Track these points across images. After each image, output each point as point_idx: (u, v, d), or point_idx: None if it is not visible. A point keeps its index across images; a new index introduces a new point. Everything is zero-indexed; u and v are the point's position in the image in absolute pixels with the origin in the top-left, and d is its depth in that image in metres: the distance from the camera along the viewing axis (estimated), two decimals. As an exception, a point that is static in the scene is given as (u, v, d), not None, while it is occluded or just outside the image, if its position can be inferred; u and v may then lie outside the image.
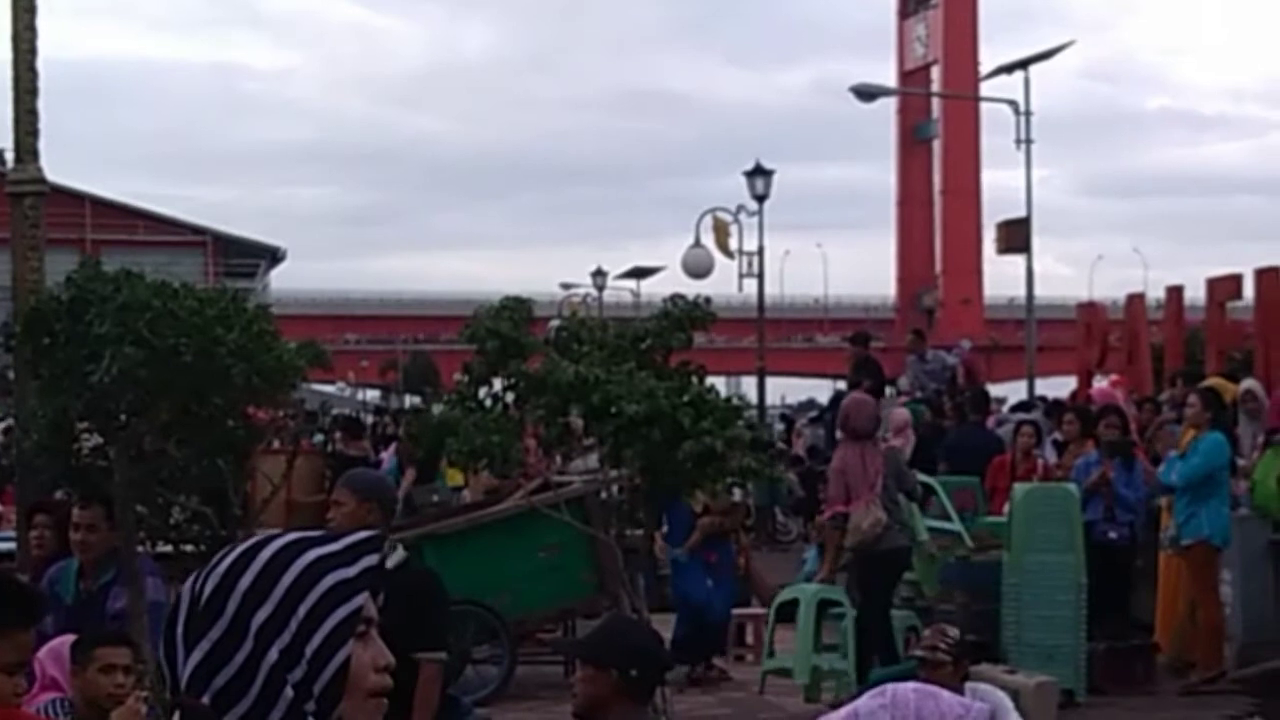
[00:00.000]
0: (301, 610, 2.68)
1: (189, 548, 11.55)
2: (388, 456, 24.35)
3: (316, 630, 2.69)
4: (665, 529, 16.76)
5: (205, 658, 2.70)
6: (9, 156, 14.01)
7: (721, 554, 16.75)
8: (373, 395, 66.57)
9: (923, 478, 16.57)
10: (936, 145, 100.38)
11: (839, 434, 15.48)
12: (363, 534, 2.81)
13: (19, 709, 4.73)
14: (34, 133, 13.07)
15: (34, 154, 13.07)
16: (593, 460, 15.99)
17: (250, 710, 2.68)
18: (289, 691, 2.67)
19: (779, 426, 35.54)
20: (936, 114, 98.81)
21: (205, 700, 2.69)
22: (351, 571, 2.73)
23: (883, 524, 14.17)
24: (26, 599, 4.64)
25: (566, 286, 67.97)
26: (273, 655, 2.67)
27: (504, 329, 15.22)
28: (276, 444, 14.33)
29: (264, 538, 2.79)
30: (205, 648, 2.70)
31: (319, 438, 24.90)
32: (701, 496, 15.87)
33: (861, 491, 14.27)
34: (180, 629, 2.75)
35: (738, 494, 18.28)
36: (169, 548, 11.59)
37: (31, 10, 12.93)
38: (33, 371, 11.72)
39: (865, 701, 3.98)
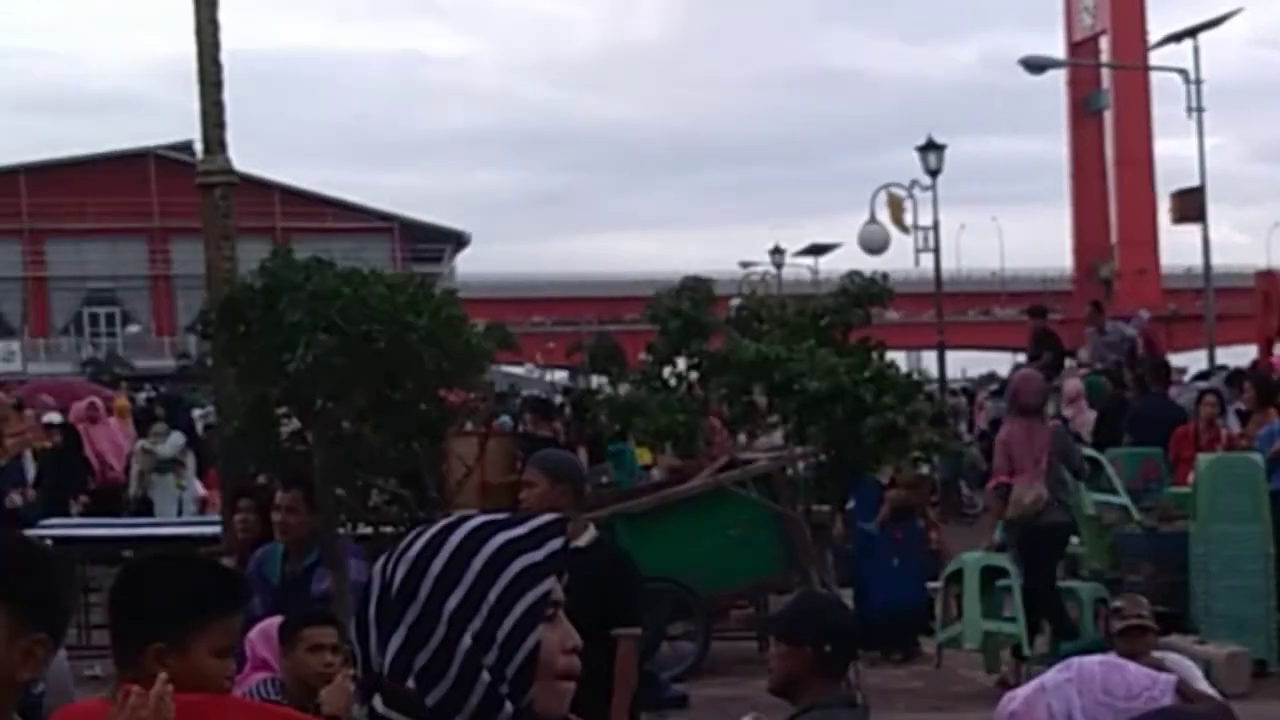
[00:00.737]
0: (492, 595, 2.68)
1: (388, 529, 11.61)
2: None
3: (507, 615, 2.68)
4: (852, 504, 16.62)
5: (404, 642, 2.71)
6: (199, 148, 14.15)
7: (908, 531, 16.56)
8: (560, 376, 66.71)
9: (1089, 453, 16.39)
10: (1108, 116, 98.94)
11: (1008, 408, 15.35)
12: (548, 517, 2.80)
13: (230, 694, 4.77)
14: (221, 124, 13.20)
15: (222, 145, 13.20)
16: (777, 437, 15.93)
17: (449, 693, 2.69)
18: (485, 675, 2.68)
19: (960, 400, 35.16)
20: (1106, 84, 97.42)
21: (410, 684, 2.70)
22: (538, 555, 2.73)
23: (1043, 500, 14.06)
24: (233, 584, 4.67)
25: (745, 265, 67.89)
26: (466, 640, 2.67)
27: (685, 309, 15.22)
28: (469, 426, 14.40)
29: (452, 521, 2.79)
30: (403, 632, 2.71)
31: (504, 419, 24.97)
32: (888, 470, 15.73)
33: (1025, 465, 14.18)
34: (373, 612, 2.75)
35: (923, 469, 18.13)
36: (369, 529, 11.67)
37: (214, 4, 13.06)
38: (230, 359, 11.84)
39: (1051, 675, 3.92)
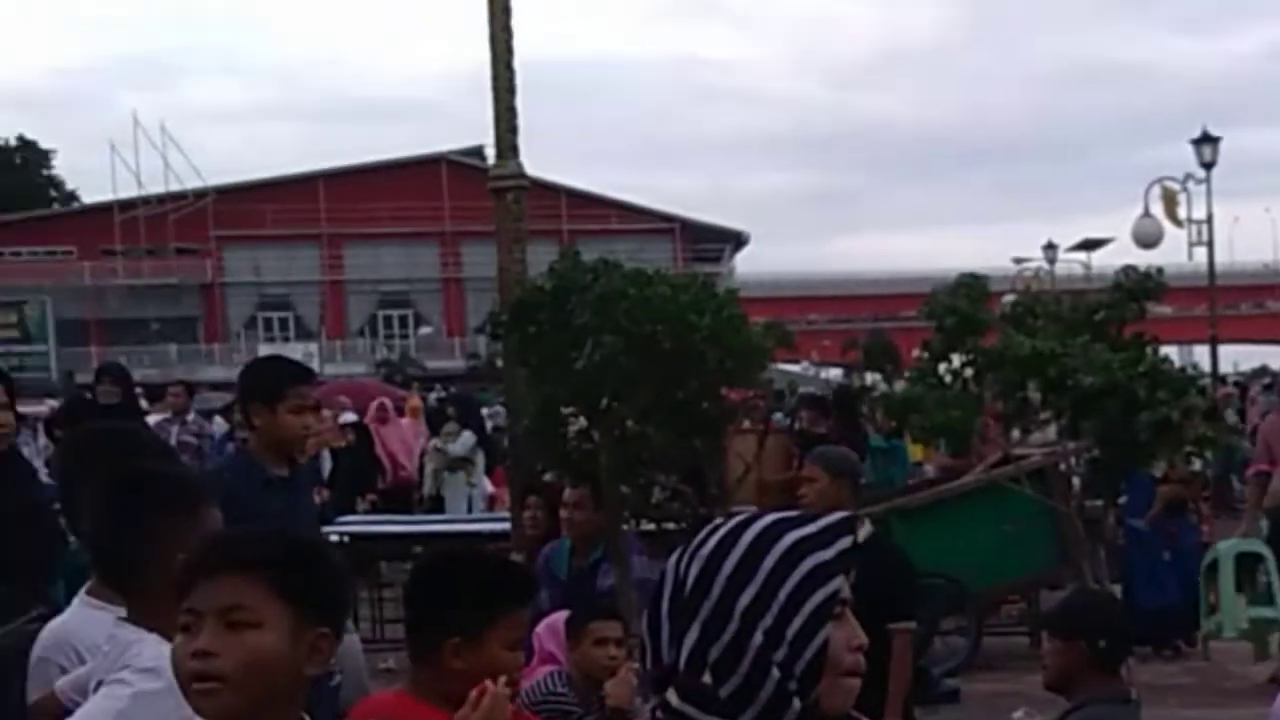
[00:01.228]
0: (783, 594, 2.69)
1: (670, 525, 11.67)
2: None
3: (797, 613, 2.69)
4: (1124, 499, 16.35)
5: (699, 638, 2.72)
6: (490, 153, 14.34)
7: (1180, 526, 16.25)
8: (835, 374, 66.50)
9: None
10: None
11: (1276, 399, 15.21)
12: (838, 515, 2.81)
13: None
14: (513, 130, 13.36)
15: (514, 150, 13.36)
16: (1051, 433, 15.73)
17: (740, 688, 2.70)
18: (775, 672, 2.68)
19: (1233, 394, 34.39)
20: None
21: (705, 679, 2.72)
22: (829, 554, 2.73)
23: None
24: (523, 579, 4.75)
25: (1018, 261, 67.03)
26: (758, 637, 2.68)
27: (961, 305, 15.09)
28: (747, 424, 14.42)
29: (745, 519, 2.81)
30: (697, 628, 2.73)
31: (776, 415, 24.89)
32: (1161, 465, 15.46)
33: None
34: (665, 607, 2.78)
35: (1196, 464, 17.78)
36: (651, 525, 11.73)
37: (507, 12, 13.22)
38: (520, 359, 11.98)
39: None
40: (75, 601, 4.42)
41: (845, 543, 2.75)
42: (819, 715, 2.75)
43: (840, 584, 2.72)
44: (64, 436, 10.61)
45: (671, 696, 2.75)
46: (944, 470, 18.42)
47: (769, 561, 2.71)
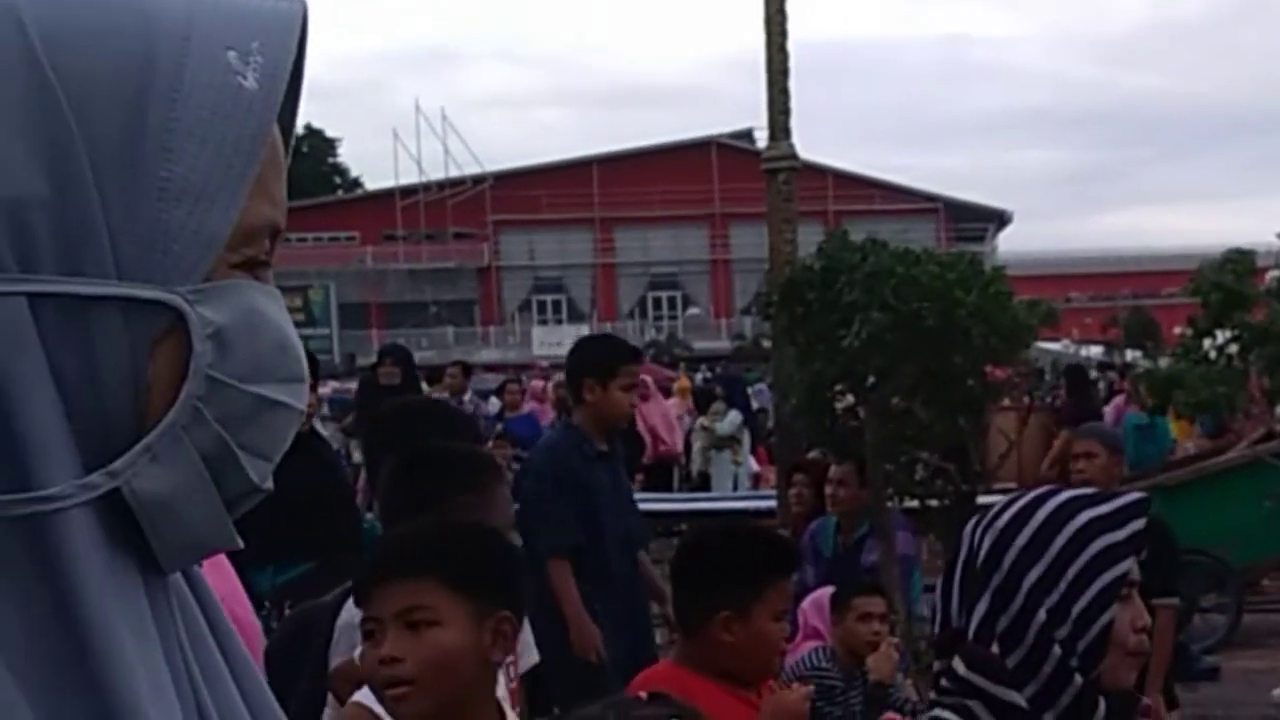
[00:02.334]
0: (1070, 572, 2.74)
1: (933, 503, 11.53)
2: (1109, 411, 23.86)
3: (1083, 592, 2.75)
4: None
5: (988, 609, 2.79)
6: (758, 135, 14.34)
7: None
8: (1095, 351, 65.63)
9: None
10: None
11: None
12: (1133, 497, 2.86)
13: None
14: (786, 112, 13.33)
15: (786, 132, 13.34)
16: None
17: (1023, 662, 2.74)
18: (1056, 649, 2.71)
19: None
20: None
21: (993, 649, 2.78)
22: (1120, 535, 2.77)
23: None
24: (786, 550, 4.77)
25: (1283, 237, 65.51)
26: (1041, 614, 2.73)
27: (1227, 281, 14.76)
28: (1008, 401, 14.22)
29: (1041, 494, 2.89)
30: (987, 599, 2.79)
31: (1045, 396, 24.56)
32: None
33: None
34: (958, 575, 2.86)
35: None
36: (914, 503, 11.61)
37: (782, -5, 13.20)
38: (789, 339, 11.92)
39: None
40: None
41: (1137, 525, 2.80)
42: (1101, 690, 2.78)
43: (1129, 566, 2.78)
44: (365, 415, 10.74)
45: (959, 665, 2.80)
46: (1203, 450, 18.06)
47: (1060, 540, 2.74)
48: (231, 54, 1.29)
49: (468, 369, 19.97)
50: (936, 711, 2.84)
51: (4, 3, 1.25)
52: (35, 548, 1.21)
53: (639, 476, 20.56)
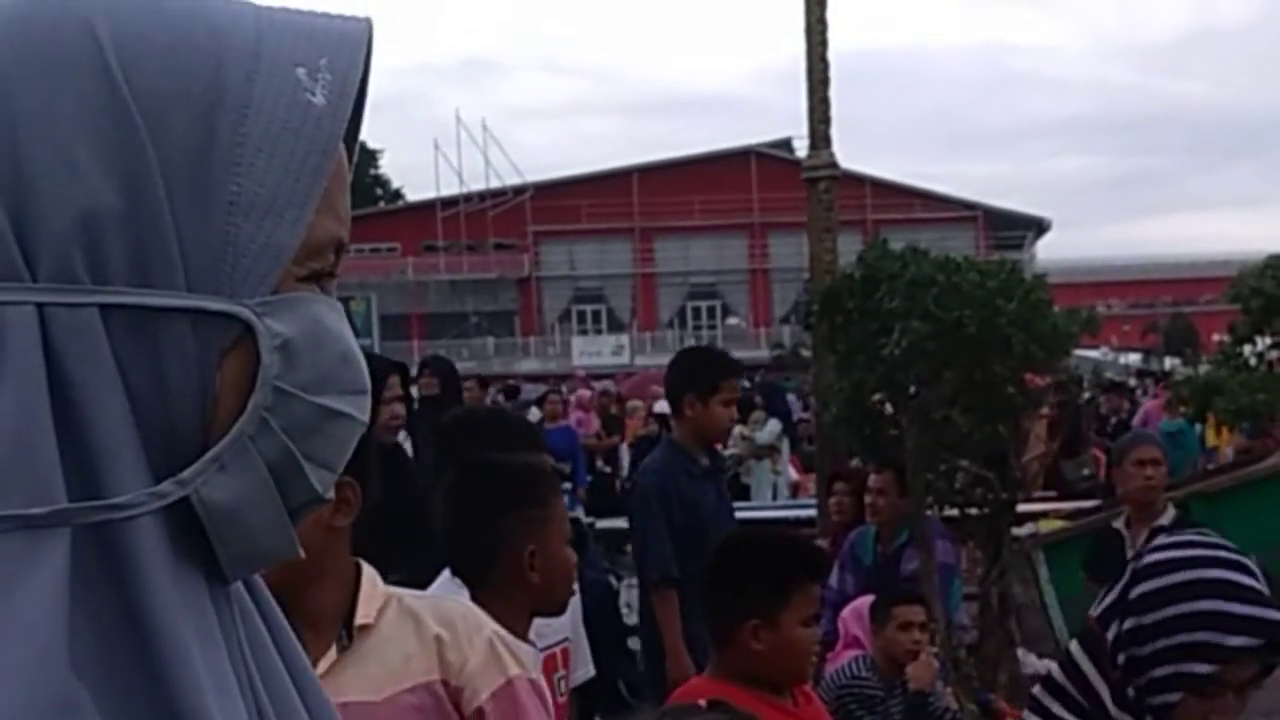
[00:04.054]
0: (1162, 643, 2.80)
1: (972, 511, 11.51)
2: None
3: (1162, 665, 2.75)
4: None
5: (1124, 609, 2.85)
6: (797, 144, 14.36)
7: None
8: (1134, 359, 65.42)
9: None
10: None
11: None
12: (1275, 615, 2.81)
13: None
14: (826, 121, 13.33)
15: (827, 141, 13.34)
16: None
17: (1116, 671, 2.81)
18: (1130, 692, 2.79)
19: None
20: None
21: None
22: (1230, 640, 2.77)
23: None
24: (812, 554, 4.77)
25: (1324, 244, 65.23)
26: (1121, 658, 2.80)
27: (1268, 287, 14.69)
28: (1045, 410, 14.19)
29: (1213, 558, 2.81)
30: (1130, 600, 2.84)
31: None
32: None
33: None
34: (1126, 577, 2.89)
35: None
36: (954, 511, 11.58)
37: (823, 4, 13.18)
38: (829, 347, 11.91)
39: None
40: (443, 575, 4.43)
41: (1252, 641, 2.79)
42: None
43: (1219, 670, 2.76)
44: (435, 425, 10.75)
45: (1074, 645, 2.91)
46: (1241, 453, 17.97)
47: (1171, 609, 2.78)
48: (300, 70, 1.32)
49: (484, 381, 19.90)
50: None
51: (79, 17, 1.28)
52: (106, 555, 1.24)
53: None
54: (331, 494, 1.37)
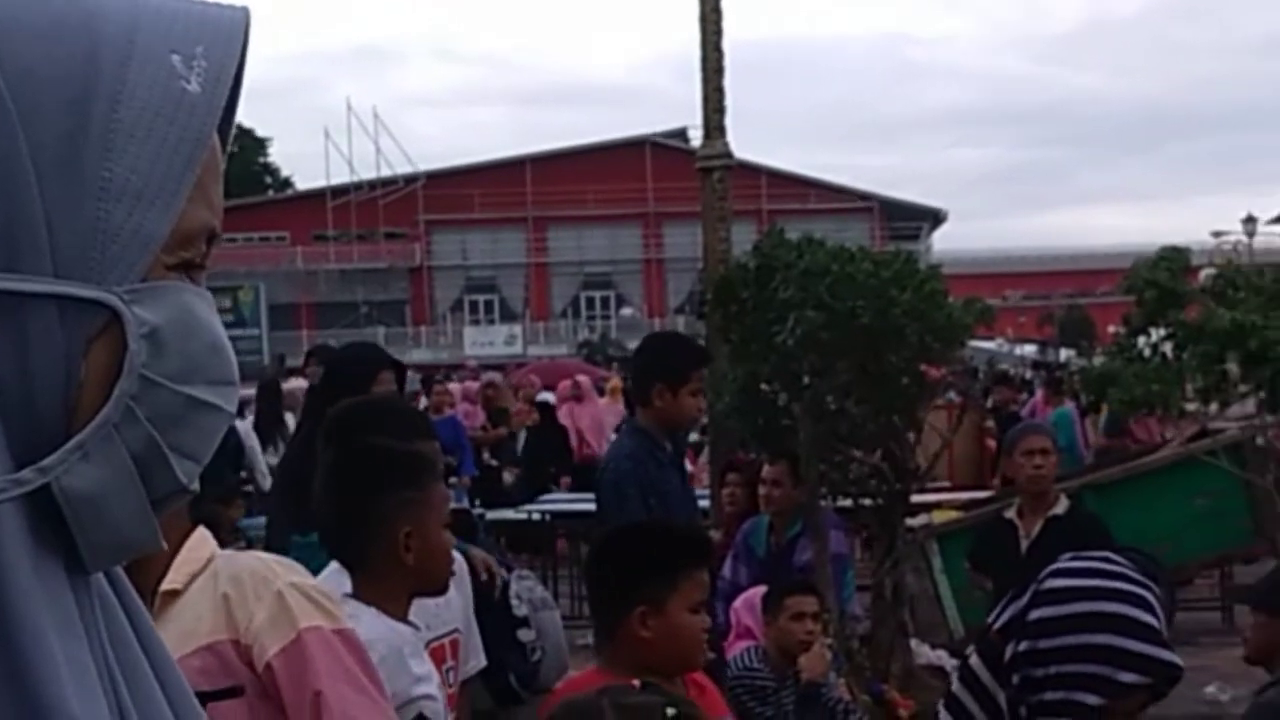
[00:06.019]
0: (1062, 669, 2.87)
1: (867, 502, 11.59)
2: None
3: (1063, 664, 2.83)
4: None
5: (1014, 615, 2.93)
6: (693, 134, 14.38)
7: None
8: (1029, 350, 65.94)
9: None
10: None
11: None
12: (1169, 657, 2.93)
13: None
14: (721, 110, 13.36)
15: (721, 130, 13.37)
16: (1249, 406, 15.41)
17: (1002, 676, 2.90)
18: (1015, 679, 2.88)
19: None
20: None
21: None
22: (1127, 677, 2.84)
23: None
24: (698, 540, 4.78)
25: (1217, 234, 65.93)
26: (1023, 645, 2.87)
27: (1162, 279, 14.83)
28: (942, 401, 14.27)
29: (1114, 590, 2.87)
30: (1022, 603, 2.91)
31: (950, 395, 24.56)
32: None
33: None
34: (1022, 598, 2.95)
35: None
36: (848, 502, 11.66)
37: (717, -9, 13.24)
38: (723, 337, 11.95)
39: None
40: (332, 564, 4.42)
41: (1142, 679, 2.88)
42: None
43: (1108, 704, 2.85)
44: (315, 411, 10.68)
45: (972, 657, 2.98)
46: (1101, 453, 18.38)
47: (1072, 639, 2.84)
48: (175, 58, 1.32)
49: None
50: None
51: None
52: None
53: (565, 479, 20.53)
54: (196, 485, 1.36)
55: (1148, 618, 2.86)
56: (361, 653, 3.27)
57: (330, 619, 3.26)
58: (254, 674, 3.16)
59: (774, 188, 78.81)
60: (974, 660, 2.91)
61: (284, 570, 3.27)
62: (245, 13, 1.39)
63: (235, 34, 1.36)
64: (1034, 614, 2.82)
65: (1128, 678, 2.78)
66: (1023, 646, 2.80)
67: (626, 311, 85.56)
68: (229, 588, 3.22)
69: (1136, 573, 2.96)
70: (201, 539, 3.40)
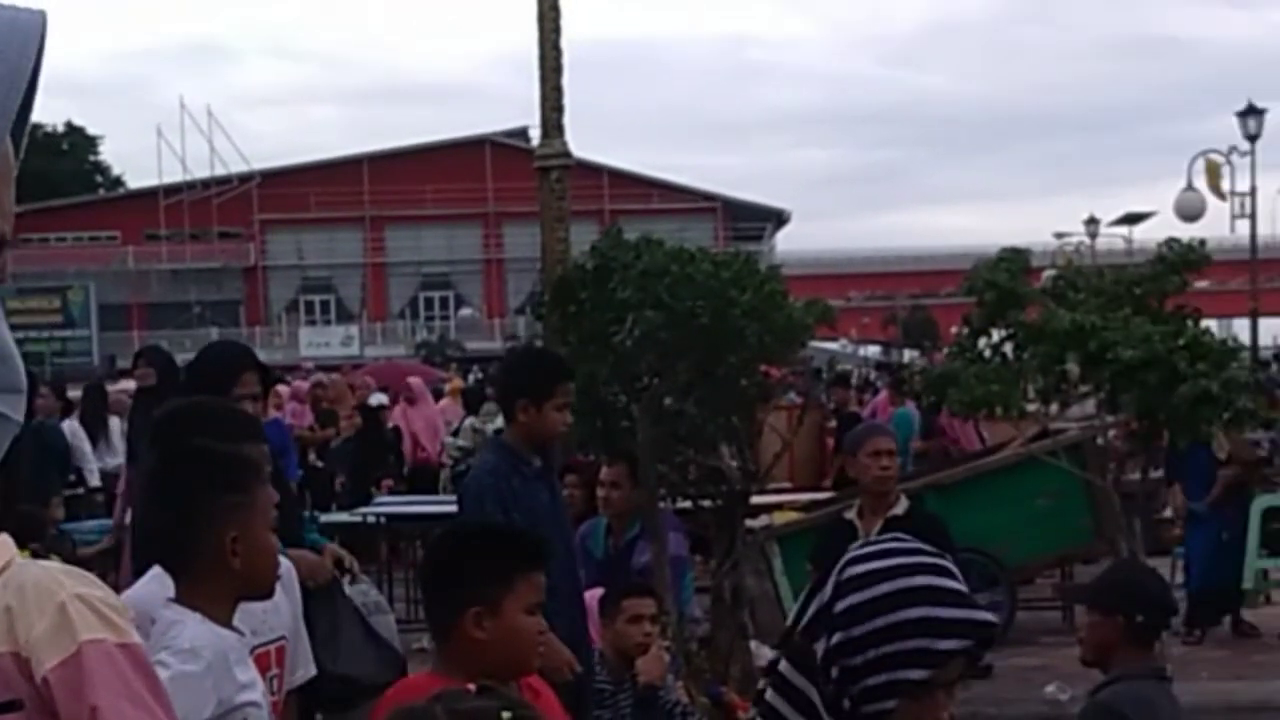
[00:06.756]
0: (873, 654, 2.83)
1: (706, 503, 11.65)
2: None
3: (877, 674, 2.83)
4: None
5: (812, 617, 2.90)
6: (534, 133, 14.38)
7: (1238, 507, 15.96)
8: (874, 351, 66.51)
9: None
10: None
11: None
12: (983, 617, 2.93)
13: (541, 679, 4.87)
14: (559, 109, 13.37)
15: (559, 129, 13.38)
16: (1089, 407, 15.64)
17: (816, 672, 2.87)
18: (845, 703, 2.83)
19: (1274, 367, 34.20)
20: None
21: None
22: (942, 645, 2.84)
23: None
24: (534, 542, 4.76)
25: (1060, 236, 66.86)
26: (834, 671, 2.83)
27: (1002, 280, 15.00)
28: (783, 402, 14.38)
29: (908, 565, 2.87)
30: (814, 607, 2.90)
31: (790, 395, 24.79)
32: (1224, 443, 15.33)
33: None
34: (821, 593, 2.93)
35: (1264, 445, 17.81)
36: (688, 503, 11.71)
37: (556, -11, 13.25)
38: (561, 338, 11.97)
39: None
40: (153, 570, 4.37)
41: (961, 644, 2.86)
42: None
43: (932, 675, 2.83)
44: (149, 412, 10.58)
45: (783, 664, 2.93)
46: (919, 456, 18.75)
47: (881, 621, 2.82)
48: None
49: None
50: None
51: None
52: None
53: (386, 483, 20.40)
54: None
55: (953, 584, 2.91)
56: (147, 669, 3.22)
57: (116, 632, 3.20)
58: (34, 688, 3.12)
59: (616, 188, 78.94)
60: (783, 665, 2.94)
61: (71, 581, 3.21)
62: (42, 16, 1.36)
63: (29, 39, 1.34)
64: (840, 605, 2.85)
65: (948, 644, 2.82)
66: (836, 639, 2.83)
67: (466, 312, 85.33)
68: (13, 599, 3.16)
69: (927, 545, 3.02)
70: (1, 545, 3.35)
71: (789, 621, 3.00)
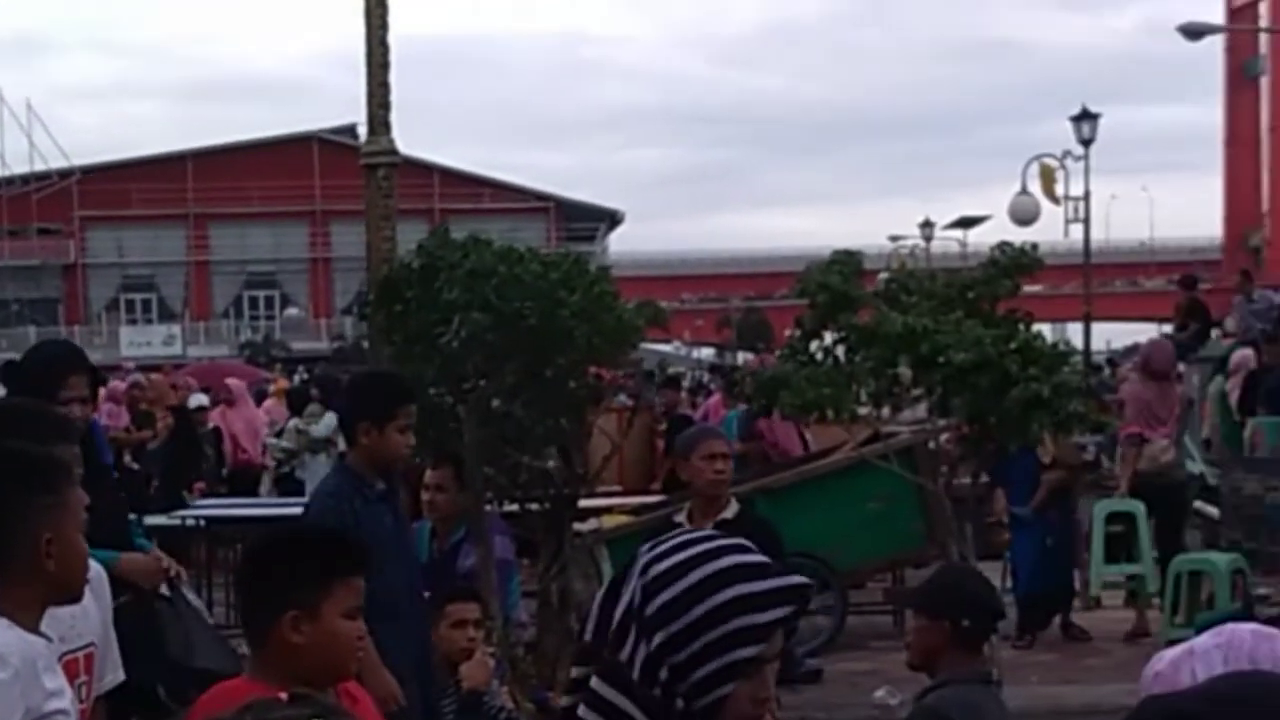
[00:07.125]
0: (698, 644, 2.79)
1: (534, 506, 11.64)
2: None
3: (707, 664, 2.79)
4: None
5: (617, 625, 2.86)
6: (362, 130, 14.27)
7: (1063, 512, 16.20)
8: (707, 353, 66.85)
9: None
10: (1264, 82, 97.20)
11: (1139, 373, 16.73)
12: (791, 581, 2.89)
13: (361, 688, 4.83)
14: (386, 105, 13.29)
15: (386, 126, 13.30)
16: (920, 410, 15.78)
17: (637, 679, 2.82)
18: (679, 702, 2.79)
19: (1105, 372, 34.74)
20: (1265, 50, 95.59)
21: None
22: (761, 618, 2.84)
23: (1174, 458, 15.68)
24: (354, 546, 4.73)
25: (894, 239, 67.53)
26: (664, 672, 2.79)
27: (834, 282, 15.09)
28: (613, 404, 14.40)
29: (707, 550, 2.87)
30: (619, 614, 2.86)
31: (621, 398, 24.85)
32: (1050, 447, 15.52)
33: (1160, 423, 15.69)
34: (622, 598, 2.89)
35: (1090, 449, 18.11)
36: (514, 506, 11.70)
37: (383, -16, 13.17)
38: (386, 338, 11.91)
39: (1203, 640, 3.86)
40: None
41: (783, 612, 2.84)
42: None
43: (762, 649, 2.81)
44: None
45: (595, 680, 2.87)
46: (739, 458, 18.82)
47: (700, 609, 2.79)
48: None
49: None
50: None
51: None
52: None
53: (199, 486, 20.19)
54: None
55: (755, 557, 2.93)
56: None
57: None
58: None
59: (447, 186, 78.87)
60: (594, 682, 2.94)
61: None
62: None
63: None
64: (652, 605, 2.85)
65: (769, 616, 2.83)
66: (657, 639, 2.83)
67: (292, 311, 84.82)
68: None
69: (758, 548, 3.03)
70: None
71: (586, 636, 2.98)
